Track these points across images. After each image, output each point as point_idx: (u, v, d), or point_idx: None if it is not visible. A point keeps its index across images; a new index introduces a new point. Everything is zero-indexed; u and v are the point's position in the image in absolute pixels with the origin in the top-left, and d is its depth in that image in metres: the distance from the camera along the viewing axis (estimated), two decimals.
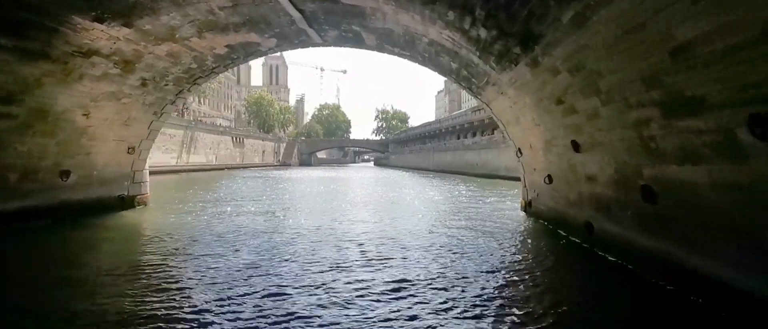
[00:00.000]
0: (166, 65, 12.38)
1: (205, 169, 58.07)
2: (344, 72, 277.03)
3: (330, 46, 14.34)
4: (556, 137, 9.69)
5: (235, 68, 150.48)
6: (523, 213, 14.38)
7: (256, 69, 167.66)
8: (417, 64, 14.57)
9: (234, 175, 46.69)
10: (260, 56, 14.89)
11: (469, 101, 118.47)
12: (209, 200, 19.19)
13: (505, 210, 15.88)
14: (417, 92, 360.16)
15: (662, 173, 5.79)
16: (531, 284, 6.90)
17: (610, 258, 7.95)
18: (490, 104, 13.66)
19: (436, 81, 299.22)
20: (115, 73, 11.20)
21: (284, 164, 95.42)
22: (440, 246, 9.51)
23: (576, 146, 8.58)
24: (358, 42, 13.75)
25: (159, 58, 11.79)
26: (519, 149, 14.01)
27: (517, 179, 36.32)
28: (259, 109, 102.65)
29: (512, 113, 12.10)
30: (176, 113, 63.46)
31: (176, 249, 9.18)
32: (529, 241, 10.54)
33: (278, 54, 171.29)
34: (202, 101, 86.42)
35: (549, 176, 11.33)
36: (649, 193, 6.07)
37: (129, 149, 13.93)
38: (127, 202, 14.36)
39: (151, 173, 45.09)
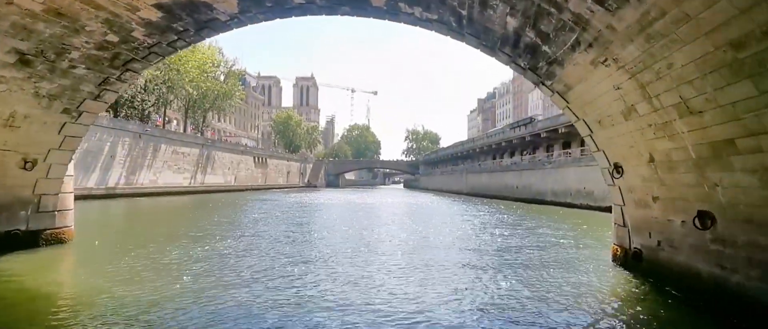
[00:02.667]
0: (58, 32, 7.97)
1: (222, 190, 54.49)
2: (375, 93, 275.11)
3: (321, 11, 9.64)
4: (762, 133, 4.43)
5: (266, 90, 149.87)
6: (621, 270, 8.91)
7: (287, 90, 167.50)
8: (449, 39, 9.61)
9: (250, 198, 42.49)
10: (224, 30, 10.28)
11: (504, 120, 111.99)
12: (174, 236, 14.53)
13: (584, 261, 10.38)
14: (448, 112, 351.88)
15: None
16: None
17: None
18: (567, 92, 8.50)
19: (470, 100, 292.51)
20: None
21: (310, 186, 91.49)
22: None
23: None
24: (359, 2, 9.03)
25: (35, 17, 7.40)
26: (615, 166, 8.71)
27: (567, 205, 30.61)
28: (285, 128, 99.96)
29: (617, 98, 6.90)
30: (194, 130, 60.76)
31: None
32: None
33: (309, 75, 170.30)
34: (223, 118, 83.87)
35: (702, 213, 5.99)
36: None
37: (25, 163, 9.54)
38: (26, 240, 9.86)
39: (158, 194, 41.11)
